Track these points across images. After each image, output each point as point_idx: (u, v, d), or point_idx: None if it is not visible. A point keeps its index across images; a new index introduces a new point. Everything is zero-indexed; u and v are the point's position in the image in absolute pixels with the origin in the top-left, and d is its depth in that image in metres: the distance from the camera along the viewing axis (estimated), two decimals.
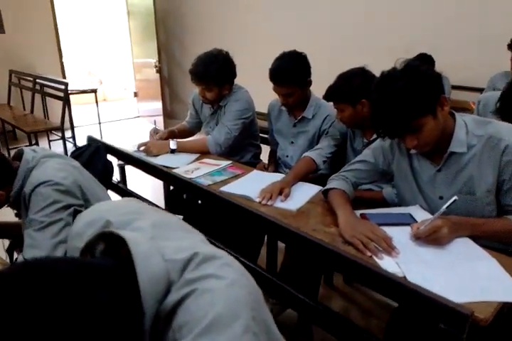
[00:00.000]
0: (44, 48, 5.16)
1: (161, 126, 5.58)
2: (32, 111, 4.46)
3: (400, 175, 1.44)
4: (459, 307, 0.79)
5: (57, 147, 4.54)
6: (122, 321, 0.47)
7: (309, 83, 1.96)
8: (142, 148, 2.04)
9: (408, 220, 1.30)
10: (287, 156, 2.12)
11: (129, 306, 0.49)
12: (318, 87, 1.90)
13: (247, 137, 2.28)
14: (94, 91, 4.16)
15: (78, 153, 1.85)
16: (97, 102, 4.16)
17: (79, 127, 5.06)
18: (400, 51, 2.69)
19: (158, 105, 5.63)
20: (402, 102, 1.16)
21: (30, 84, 4.60)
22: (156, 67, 5.30)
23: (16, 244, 1.33)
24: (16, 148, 4.48)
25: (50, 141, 4.49)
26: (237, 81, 2.20)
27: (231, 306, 0.52)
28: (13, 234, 1.33)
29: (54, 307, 0.43)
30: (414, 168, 1.39)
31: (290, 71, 1.85)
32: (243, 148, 2.30)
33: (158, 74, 5.38)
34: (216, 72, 2.03)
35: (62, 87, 3.86)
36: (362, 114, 1.68)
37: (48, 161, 1.13)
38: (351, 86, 1.63)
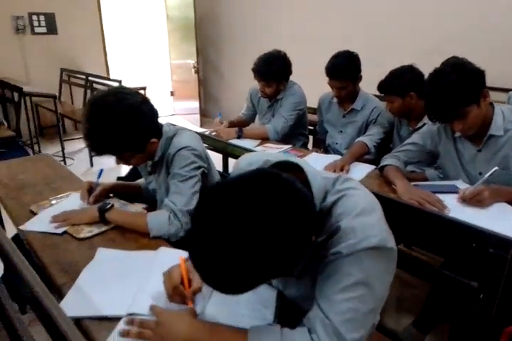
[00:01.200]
0: (91, 48, 5.55)
1: (197, 122, 5.93)
2: (84, 106, 4.84)
3: (445, 155, 1.72)
4: (504, 236, 1.08)
5: None
6: (310, 208, 0.76)
7: (360, 78, 2.25)
8: (214, 134, 2.37)
9: (454, 189, 1.58)
10: (336, 143, 2.42)
11: (310, 201, 0.78)
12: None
13: (299, 127, 2.59)
14: (144, 88, 4.52)
15: None
16: None
17: None
18: (431, 52, 2.98)
19: (193, 104, 5.97)
20: (452, 93, 1.44)
21: (80, 82, 5.00)
22: (194, 67, 5.65)
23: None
24: (68, 140, 4.88)
25: None
26: None
27: (369, 203, 0.82)
28: (134, 193, 1.65)
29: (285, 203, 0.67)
30: (458, 149, 1.67)
31: (345, 67, 2.16)
32: (294, 136, 2.60)
33: (195, 75, 5.72)
34: (276, 70, 2.35)
35: (116, 84, 4.22)
36: (410, 105, 1.97)
37: (184, 132, 1.45)
38: (402, 81, 1.92)
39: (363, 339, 0.77)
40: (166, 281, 0.98)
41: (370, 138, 2.10)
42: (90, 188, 1.51)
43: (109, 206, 1.35)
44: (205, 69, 6.25)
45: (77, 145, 4.88)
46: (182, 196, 1.33)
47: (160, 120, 1.42)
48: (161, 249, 1.20)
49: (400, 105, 1.97)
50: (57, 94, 4.29)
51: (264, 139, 2.40)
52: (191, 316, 0.85)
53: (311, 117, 2.74)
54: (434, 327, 1.65)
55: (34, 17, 5.01)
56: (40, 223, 1.35)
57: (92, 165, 4.20)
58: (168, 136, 1.43)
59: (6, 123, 4.17)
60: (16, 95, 4.16)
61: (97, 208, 1.35)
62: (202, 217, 0.67)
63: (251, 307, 0.94)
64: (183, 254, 1.13)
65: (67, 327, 0.69)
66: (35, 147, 4.25)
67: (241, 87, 5.95)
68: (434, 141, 1.73)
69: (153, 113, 1.36)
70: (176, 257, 1.12)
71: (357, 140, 2.13)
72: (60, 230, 1.30)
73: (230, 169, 2.00)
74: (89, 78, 4.80)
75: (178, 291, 0.94)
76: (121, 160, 1.39)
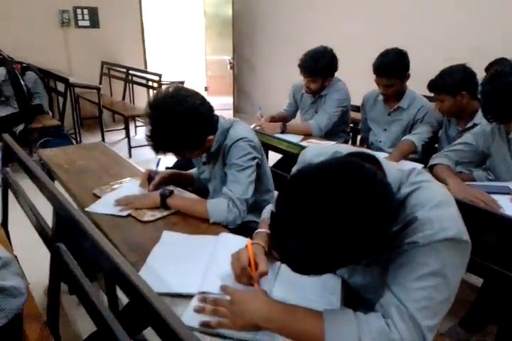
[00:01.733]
0: (130, 43, 5.68)
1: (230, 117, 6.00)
2: (123, 99, 4.98)
3: (498, 156, 1.70)
4: None
5: (142, 133, 5.05)
6: (392, 198, 0.78)
7: (408, 76, 2.24)
8: (258, 128, 2.40)
9: (507, 190, 1.57)
10: (380, 141, 2.42)
11: (391, 191, 0.80)
12: None
13: (341, 124, 2.59)
14: (183, 83, 4.60)
15: None
16: None
17: None
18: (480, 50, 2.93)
19: (226, 100, 6.04)
20: (511, 93, 1.44)
21: (120, 75, 5.13)
22: (230, 63, 5.71)
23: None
24: (107, 131, 5.00)
25: (136, 126, 4.98)
26: None
27: (446, 197, 0.84)
28: (187, 182, 1.71)
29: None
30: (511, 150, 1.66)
31: (393, 65, 2.16)
32: (336, 134, 2.61)
33: (230, 71, 5.79)
34: (323, 66, 2.36)
35: (157, 78, 4.32)
36: (461, 104, 1.95)
37: (239, 124, 1.50)
38: (454, 79, 1.91)
39: (436, 328, 0.79)
40: (234, 262, 1.02)
41: (418, 137, 2.09)
42: (149, 176, 1.57)
43: (169, 192, 1.41)
44: (239, 66, 6.30)
45: (116, 137, 5.00)
46: (240, 185, 1.38)
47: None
48: (222, 234, 1.25)
49: (451, 104, 1.96)
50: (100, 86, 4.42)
51: (307, 135, 2.42)
52: (266, 295, 0.89)
53: (352, 115, 2.75)
54: (482, 327, 1.65)
55: (78, 11, 5.16)
56: (104, 206, 1.42)
57: (130, 156, 4.31)
58: (224, 128, 1.47)
59: (50, 113, 4.34)
60: (60, 86, 4.31)
61: (158, 194, 1.40)
62: (291, 204, 0.71)
63: (318, 293, 0.98)
64: (244, 240, 1.18)
65: (150, 294, 0.74)
66: (77, 137, 4.40)
67: (273, 84, 6.00)
68: (487, 142, 1.72)
69: (211, 112, 1.41)
70: (236, 242, 1.17)
71: (404, 138, 2.12)
72: (124, 213, 1.37)
73: (270, 163, 2.03)
74: (130, 71, 4.92)
75: (245, 273, 0.99)
76: (180, 156, 1.45)
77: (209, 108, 1.38)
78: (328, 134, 2.54)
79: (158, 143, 1.34)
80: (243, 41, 6.12)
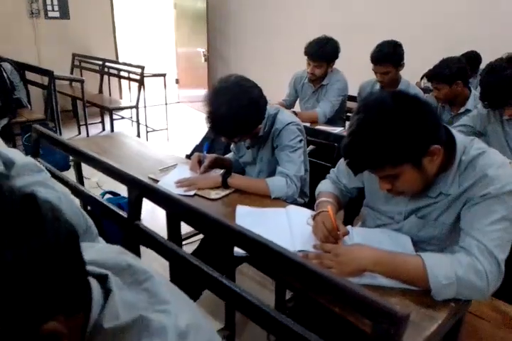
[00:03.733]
0: (101, 34, 5.57)
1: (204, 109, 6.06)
2: (100, 91, 4.91)
3: (493, 135, 1.99)
4: None
5: (120, 125, 5.00)
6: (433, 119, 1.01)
7: (402, 65, 2.51)
8: None
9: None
10: None
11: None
12: None
13: (340, 112, 2.82)
14: (164, 75, 4.62)
15: None
16: (165, 85, 4.62)
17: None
18: (448, 48, 3.26)
19: (199, 92, 6.09)
20: (506, 85, 1.71)
21: (94, 67, 5.03)
22: (204, 55, 5.76)
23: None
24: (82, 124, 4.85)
25: (113, 119, 4.93)
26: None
27: (505, 160, 1.06)
28: (227, 165, 1.84)
29: None
30: (505, 130, 1.95)
31: (389, 54, 2.42)
32: (335, 121, 2.82)
33: (205, 63, 5.84)
34: (328, 51, 2.58)
35: (139, 70, 4.32)
36: (455, 92, 2.23)
37: (283, 110, 1.65)
38: (451, 70, 2.17)
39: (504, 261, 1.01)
40: (318, 226, 1.19)
41: None
42: (199, 160, 1.69)
43: (229, 173, 1.55)
44: (211, 58, 6.37)
45: (93, 131, 4.86)
46: (294, 164, 1.54)
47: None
48: (289, 206, 1.41)
49: (447, 92, 2.23)
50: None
51: (314, 122, 2.62)
52: (367, 246, 1.07)
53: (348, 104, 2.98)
54: None
55: (48, 1, 5.00)
56: (167, 187, 1.52)
57: None
58: (270, 114, 1.62)
59: (29, 106, 4.22)
60: (37, 78, 4.20)
61: (220, 174, 1.54)
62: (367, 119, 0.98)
63: (393, 249, 1.17)
64: (308, 211, 1.36)
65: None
66: (57, 131, 4.30)
67: (246, 76, 6.14)
68: (484, 123, 2.00)
69: (266, 103, 1.56)
70: (303, 212, 1.35)
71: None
72: (191, 193, 1.49)
73: None
74: (107, 64, 4.86)
75: (332, 234, 1.16)
76: (231, 140, 1.60)
77: (265, 99, 1.53)
78: (328, 121, 2.75)
79: (218, 126, 1.47)
80: (215, 33, 6.19)
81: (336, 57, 2.64)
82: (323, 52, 2.56)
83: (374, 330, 0.81)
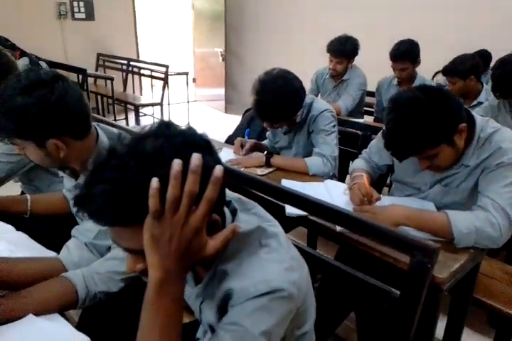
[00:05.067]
0: (124, 34, 5.83)
1: (222, 108, 6.30)
2: (125, 90, 5.16)
3: (503, 125, 2.19)
4: None
5: (143, 122, 5.25)
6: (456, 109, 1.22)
7: (419, 62, 2.73)
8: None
9: None
10: None
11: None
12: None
13: (359, 106, 3.04)
14: (187, 73, 4.87)
15: None
16: (187, 83, 4.87)
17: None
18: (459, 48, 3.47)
19: (215, 91, 6.33)
20: None
21: (117, 66, 5.29)
22: (222, 55, 6.00)
23: None
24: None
25: (139, 116, 5.18)
26: None
27: None
28: (264, 149, 2.06)
29: None
30: None
31: (407, 52, 2.65)
32: (354, 114, 3.04)
33: (222, 63, 6.07)
34: (349, 48, 2.81)
35: (163, 69, 4.56)
36: (469, 86, 2.44)
37: (318, 99, 1.89)
38: (465, 66, 2.39)
39: None
40: (355, 192, 1.40)
41: None
42: (241, 144, 1.92)
43: (271, 153, 1.78)
44: (228, 58, 6.61)
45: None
46: (329, 146, 1.77)
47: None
48: (327, 180, 1.63)
49: (461, 86, 2.44)
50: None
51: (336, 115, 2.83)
52: (398, 205, 1.29)
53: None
54: None
55: (75, 3, 5.27)
56: None
57: None
58: (307, 103, 1.85)
59: None
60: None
61: (263, 155, 1.77)
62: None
63: None
64: (344, 184, 1.58)
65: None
66: None
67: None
68: (495, 113, 2.21)
69: (305, 93, 1.78)
70: (339, 184, 1.57)
71: None
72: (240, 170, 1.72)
73: None
74: (132, 63, 5.11)
75: (368, 197, 1.37)
76: (272, 125, 1.81)
77: (304, 90, 1.77)
78: (348, 114, 2.97)
79: (264, 112, 1.70)
80: (231, 33, 6.43)
81: (356, 53, 2.87)
82: (344, 49, 2.79)
83: (411, 264, 1.02)
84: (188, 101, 4.99)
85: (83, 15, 5.40)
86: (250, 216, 0.76)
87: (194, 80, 6.93)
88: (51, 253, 1.14)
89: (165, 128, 0.62)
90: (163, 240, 0.58)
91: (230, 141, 2.50)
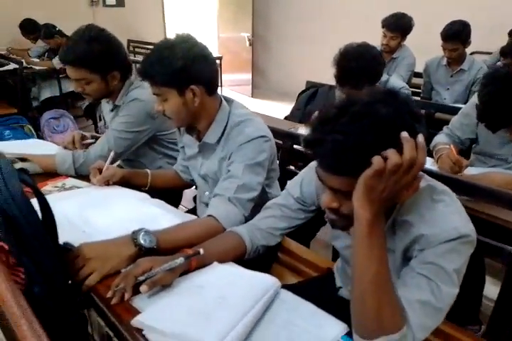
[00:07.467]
0: (152, 20, 5.89)
1: (248, 93, 6.36)
2: None
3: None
4: None
5: None
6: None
7: (469, 43, 2.78)
8: None
9: None
10: (445, 99, 2.96)
11: None
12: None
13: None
14: (220, 58, 4.92)
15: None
16: (221, 69, 4.93)
17: None
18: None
19: (241, 76, 6.37)
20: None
21: (146, 51, 5.34)
22: (249, 40, 6.02)
23: None
24: None
25: None
26: None
27: None
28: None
29: None
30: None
31: (459, 32, 2.70)
32: None
33: (249, 48, 6.09)
34: (404, 23, 2.93)
35: None
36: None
37: None
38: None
39: None
40: (444, 160, 1.51)
41: None
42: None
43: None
44: (254, 42, 6.63)
45: None
46: None
47: None
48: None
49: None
50: None
51: None
52: (496, 171, 1.39)
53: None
54: None
55: None
56: None
57: None
58: (382, 80, 1.94)
59: None
60: None
61: None
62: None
63: None
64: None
65: None
66: None
67: (287, 61, 6.39)
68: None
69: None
70: None
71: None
72: None
73: None
74: None
75: (458, 163, 1.46)
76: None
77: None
78: None
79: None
80: (257, 19, 6.44)
81: (410, 30, 2.94)
82: (400, 24, 2.89)
83: None
84: (221, 85, 5.05)
85: (114, 2, 5.46)
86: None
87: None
88: (187, 215, 1.26)
89: (392, 96, 0.73)
90: (377, 190, 0.69)
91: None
